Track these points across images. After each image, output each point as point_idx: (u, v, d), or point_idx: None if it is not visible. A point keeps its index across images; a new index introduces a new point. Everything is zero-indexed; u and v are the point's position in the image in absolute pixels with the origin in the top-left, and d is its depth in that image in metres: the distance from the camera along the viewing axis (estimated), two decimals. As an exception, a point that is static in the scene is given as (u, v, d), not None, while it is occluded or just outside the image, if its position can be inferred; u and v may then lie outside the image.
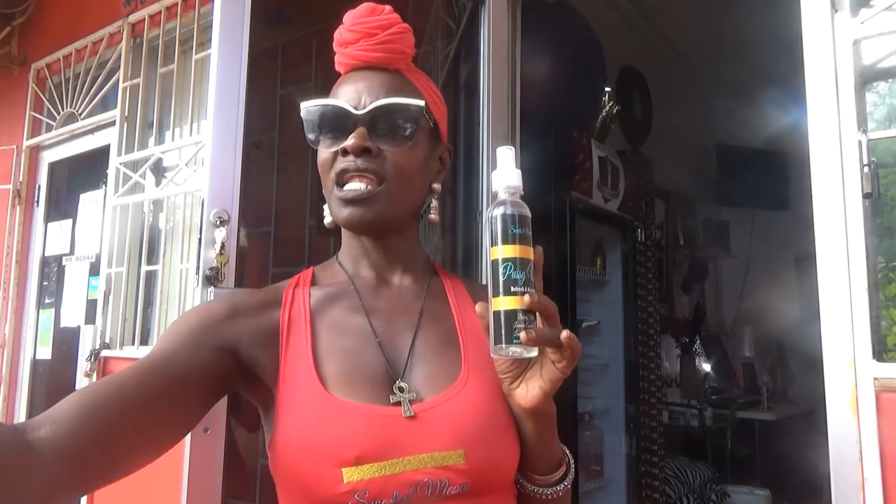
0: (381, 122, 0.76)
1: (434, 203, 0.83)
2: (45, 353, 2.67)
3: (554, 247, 2.68)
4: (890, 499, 1.08)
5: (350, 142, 0.74)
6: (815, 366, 1.24)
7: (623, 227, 3.21)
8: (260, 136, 2.03)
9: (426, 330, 0.79)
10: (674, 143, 4.17)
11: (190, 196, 2.05)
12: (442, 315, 0.81)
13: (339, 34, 0.81)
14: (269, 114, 2.08)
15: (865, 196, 1.15)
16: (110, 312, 2.18)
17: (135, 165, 2.25)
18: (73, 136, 2.66)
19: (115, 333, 2.15)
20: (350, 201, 0.75)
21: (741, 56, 3.90)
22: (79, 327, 2.39)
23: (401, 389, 0.71)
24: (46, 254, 2.78)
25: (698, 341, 4.30)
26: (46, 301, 2.73)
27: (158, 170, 2.21)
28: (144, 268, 2.12)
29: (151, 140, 2.23)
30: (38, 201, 2.86)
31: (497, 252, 0.65)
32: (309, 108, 0.78)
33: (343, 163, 0.75)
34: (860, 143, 1.16)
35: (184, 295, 1.95)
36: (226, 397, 1.28)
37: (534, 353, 0.65)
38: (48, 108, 2.80)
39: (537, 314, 0.64)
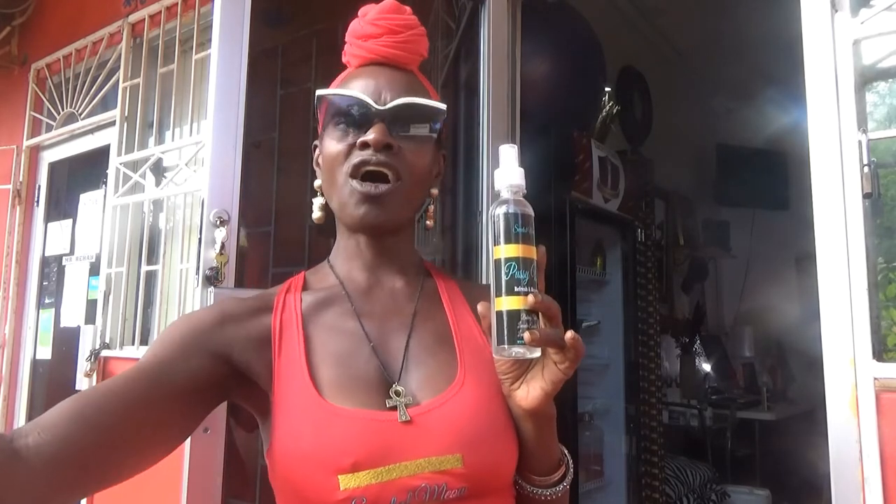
0: (400, 120, 0.75)
1: (430, 208, 0.83)
2: (45, 353, 2.67)
3: (554, 247, 2.67)
4: (890, 499, 1.08)
5: (372, 136, 0.72)
6: (815, 366, 1.24)
7: (623, 227, 3.20)
8: (260, 136, 2.03)
9: (420, 331, 0.78)
10: (674, 143, 4.17)
11: (190, 196, 2.05)
12: (435, 316, 0.80)
13: (360, 27, 0.80)
14: (269, 114, 2.08)
15: (865, 196, 1.15)
16: (110, 312, 2.18)
17: (135, 165, 2.25)
18: (73, 136, 2.66)
19: (115, 333, 2.15)
20: (370, 197, 0.73)
21: (741, 56, 3.90)
22: (79, 327, 2.39)
23: (397, 393, 0.71)
24: (46, 254, 2.78)
25: (698, 341, 4.30)
26: (46, 301, 2.73)
27: (158, 170, 2.21)
28: (144, 268, 2.12)
29: (151, 140, 2.23)
30: (38, 201, 2.86)
31: (500, 251, 0.64)
32: (328, 97, 0.76)
33: (361, 156, 0.73)
34: (860, 143, 1.16)
35: (184, 295, 1.95)
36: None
37: (537, 353, 0.64)
38: (48, 108, 2.80)
39: (540, 314, 0.64)
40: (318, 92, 0.77)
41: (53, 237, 2.77)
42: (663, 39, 4.18)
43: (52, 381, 2.62)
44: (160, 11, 2.26)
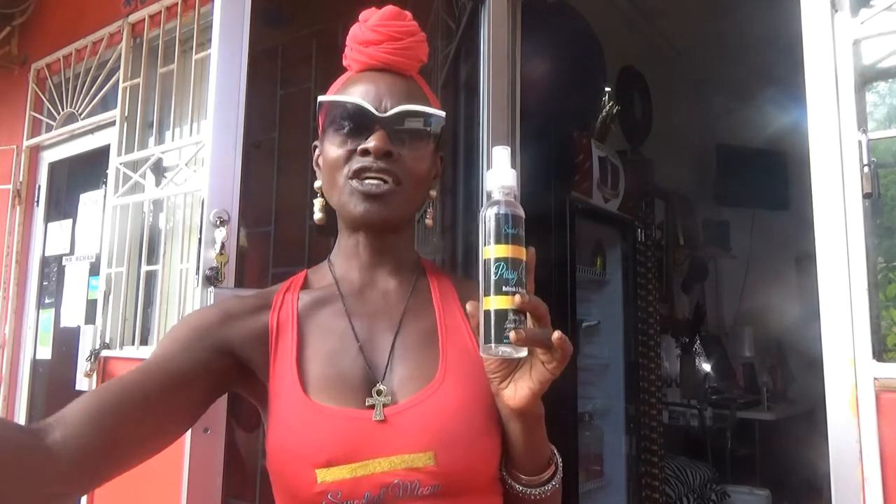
0: (400, 127, 0.77)
1: (429, 209, 0.86)
2: (45, 353, 2.67)
3: (554, 247, 2.67)
4: (890, 499, 1.08)
5: (373, 143, 0.75)
6: (815, 366, 1.24)
7: (623, 227, 3.20)
8: (260, 136, 2.02)
9: (407, 331, 0.79)
10: (674, 143, 4.17)
11: (190, 196, 2.05)
12: (424, 316, 0.81)
13: (360, 33, 0.81)
14: (269, 114, 2.08)
15: (865, 196, 1.15)
16: (110, 312, 2.18)
17: (135, 165, 2.25)
18: (73, 136, 2.66)
19: (115, 333, 2.15)
20: (371, 196, 0.75)
21: (741, 56, 3.90)
22: (79, 327, 2.39)
23: (379, 392, 0.73)
24: (46, 254, 2.78)
25: (698, 341, 4.30)
26: (46, 301, 2.73)
27: (158, 170, 2.21)
28: (144, 268, 2.12)
29: (151, 140, 2.24)
30: (38, 201, 2.86)
31: (489, 251, 0.65)
32: (328, 102, 0.78)
33: (361, 162, 0.76)
34: (860, 143, 1.16)
35: (184, 295, 1.95)
36: (225, 397, 1.29)
37: (523, 353, 0.65)
38: (48, 108, 2.80)
39: (528, 314, 0.64)
40: (320, 98, 0.79)
41: (53, 237, 2.77)
42: (663, 39, 4.18)
43: (52, 381, 2.62)
44: (160, 11, 2.26)
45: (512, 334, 0.62)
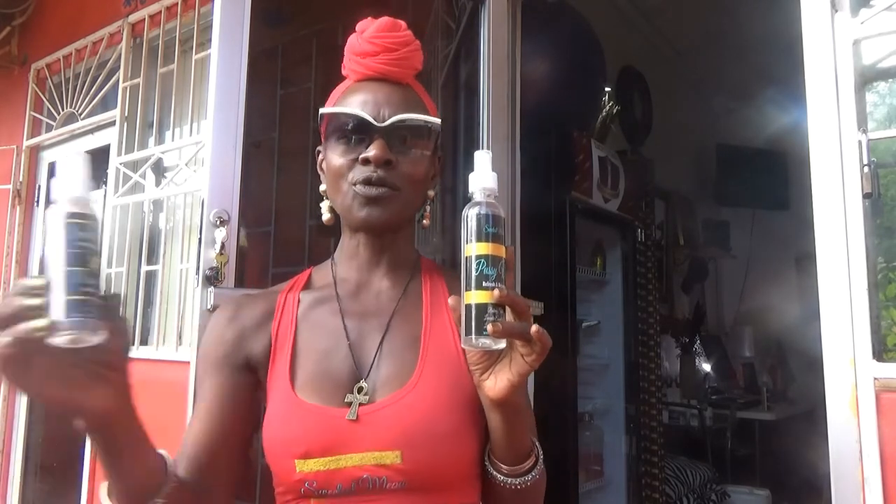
0: (398, 135, 0.81)
1: (427, 209, 0.90)
2: (45, 353, 2.67)
3: (554, 247, 2.67)
4: (890, 499, 1.08)
5: (373, 153, 0.79)
6: (815, 366, 1.24)
7: (623, 227, 3.20)
8: (260, 136, 2.02)
9: (395, 331, 0.83)
10: (674, 143, 4.17)
11: (190, 196, 2.05)
12: (412, 315, 0.85)
13: (358, 44, 0.85)
14: (269, 114, 2.08)
15: (865, 196, 1.15)
16: (110, 312, 2.17)
17: (135, 165, 2.25)
18: (73, 136, 2.66)
19: (115, 333, 2.15)
20: (372, 200, 0.80)
21: (741, 56, 3.90)
22: (79, 327, 2.39)
23: (359, 390, 0.79)
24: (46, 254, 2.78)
25: (698, 341, 4.30)
26: (46, 301, 2.73)
27: (158, 170, 2.21)
28: (144, 268, 2.12)
29: (151, 140, 2.24)
30: (38, 201, 2.86)
31: (471, 249, 0.68)
32: (329, 114, 0.83)
33: (363, 172, 0.80)
34: (860, 143, 1.16)
35: (184, 295, 1.96)
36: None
37: (501, 344, 0.68)
38: (48, 108, 2.80)
39: (508, 309, 0.67)
40: (321, 110, 0.84)
41: (53, 237, 2.76)
42: (663, 39, 4.19)
43: (52, 381, 2.62)
44: (160, 11, 2.26)
45: (490, 327, 0.65)
